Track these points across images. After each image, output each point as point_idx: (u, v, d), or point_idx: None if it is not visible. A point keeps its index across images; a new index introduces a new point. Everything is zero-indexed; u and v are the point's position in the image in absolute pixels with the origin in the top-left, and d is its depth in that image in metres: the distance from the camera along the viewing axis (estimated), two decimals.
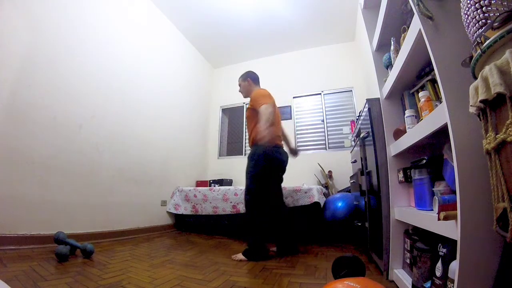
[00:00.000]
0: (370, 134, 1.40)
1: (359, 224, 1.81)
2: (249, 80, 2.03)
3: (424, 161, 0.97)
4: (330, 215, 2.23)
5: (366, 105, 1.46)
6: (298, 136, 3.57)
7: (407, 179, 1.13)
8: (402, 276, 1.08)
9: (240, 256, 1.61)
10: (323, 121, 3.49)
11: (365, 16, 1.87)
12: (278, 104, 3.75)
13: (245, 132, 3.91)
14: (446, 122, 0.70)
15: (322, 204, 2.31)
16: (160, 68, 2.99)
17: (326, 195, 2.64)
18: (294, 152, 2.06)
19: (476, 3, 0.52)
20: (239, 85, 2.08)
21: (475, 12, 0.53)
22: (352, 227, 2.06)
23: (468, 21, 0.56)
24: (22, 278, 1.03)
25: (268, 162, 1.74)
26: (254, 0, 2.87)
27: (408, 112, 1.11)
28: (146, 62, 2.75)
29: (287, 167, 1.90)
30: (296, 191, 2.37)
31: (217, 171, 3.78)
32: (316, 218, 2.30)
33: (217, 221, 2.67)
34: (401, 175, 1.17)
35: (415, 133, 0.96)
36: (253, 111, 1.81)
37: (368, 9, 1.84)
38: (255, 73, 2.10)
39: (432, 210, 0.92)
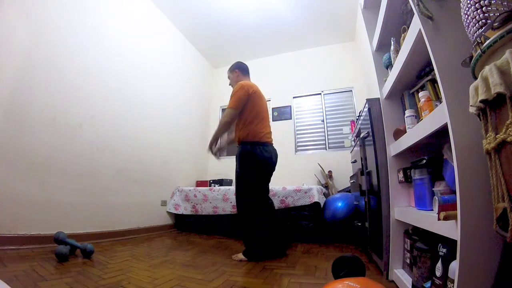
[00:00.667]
0: (370, 134, 1.40)
1: (359, 224, 1.81)
2: (237, 71, 1.95)
3: (424, 161, 0.97)
4: (330, 215, 2.23)
5: (366, 105, 1.46)
6: (298, 136, 3.57)
7: (407, 179, 1.13)
8: (402, 276, 1.08)
9: (240, 256, 1.61)
10: (323, 121, 3.49)
11: (365, 16, 1.87)
12: (278, 104, 3.82)
13: None
14: (446, 122, 0.70)
15: (322, 204, 2.32)
16: (160, 68, 2.98)
17: (326, 195, 2.64)
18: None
19: (476, 3, 0.52)
20: (228, 77, 2.00)
21: (475, 12, 0.53)
22: (352, 227, 2.06)
23: (468, 21, 0.56)
24: (22, 278, 1.03)
25: (255, 161, 1.69)
26: (254, 0, 2.87)
27: (408, 112, 1.11)
28: (146, 62, 2.75)
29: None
30: (296, 191, 2.37)
31: (217, 171, 3.78)
32: (316, 218, 2.30)
33: (217, 221, 2.67)
34: (401, 175, 1.17)
35: (415, 133, 0.96)
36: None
37: (368, 9, 1.84)
38: (244, 63, 2.01)
39: (432, 210, 0.92)
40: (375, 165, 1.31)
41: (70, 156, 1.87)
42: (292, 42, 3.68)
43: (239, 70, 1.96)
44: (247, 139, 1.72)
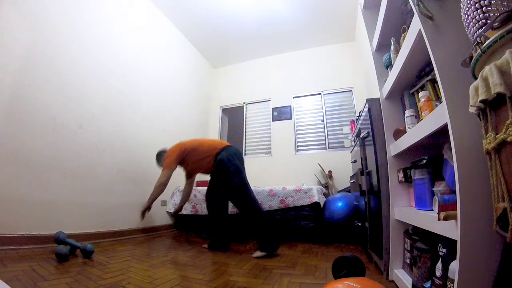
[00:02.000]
0: (370, 134, 1.40)
1: (359, 224, 1.81)
2: (163, 154, 2.05)
3: (424, 161, 0.97)
4: (330, 215, 2.23)
5: (366, 105, 1.46)
6: (298, 136, 3.57)
7: (407, 179, 1.13)
8: (402, 276, 1.08)
9: (258, 253, 1.62)
10: (323, 121, 3.49)
11: (365, 16, 1.87)
12: (278, 104, 3.84)
13: (245, 133, 3.91)
14: (446, 122, 0.70)
15: (322, 204, 2.32)
16: (160, 68, 2.98)
17: (326, 195, 2.64)
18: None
19: (476, 3, 0.52)
20: (162, 165, 2.04)
21: (475, 12, 0.53)
22: (352, 227, 2.06)
23: (468, 21, 0.56)
24: (22, 278, 1.03)
25: (240, 161, 1.85)
26: (254, 0, 2.87)
27: (408, 112, 1.11)
28: (146, 62, 2.75)
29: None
30: (296, 191, 2.37)
31: None
32: (316, 218, 2.30)
33: None
34: (401, 175, 1.17)
35: (415, 133, 0.96)
36: (184, 160, 1.99)
37: (368, 9, 1.84)
38: (160, 150, 2.16)
39: (432, 210, 0.92)
40: (375, 165, 1.30)
41: (70, 156, 1.87)
42: (292, 42, 3.68)
43: (163, 152, 2.08)
44: (217, 156, 1.86)
